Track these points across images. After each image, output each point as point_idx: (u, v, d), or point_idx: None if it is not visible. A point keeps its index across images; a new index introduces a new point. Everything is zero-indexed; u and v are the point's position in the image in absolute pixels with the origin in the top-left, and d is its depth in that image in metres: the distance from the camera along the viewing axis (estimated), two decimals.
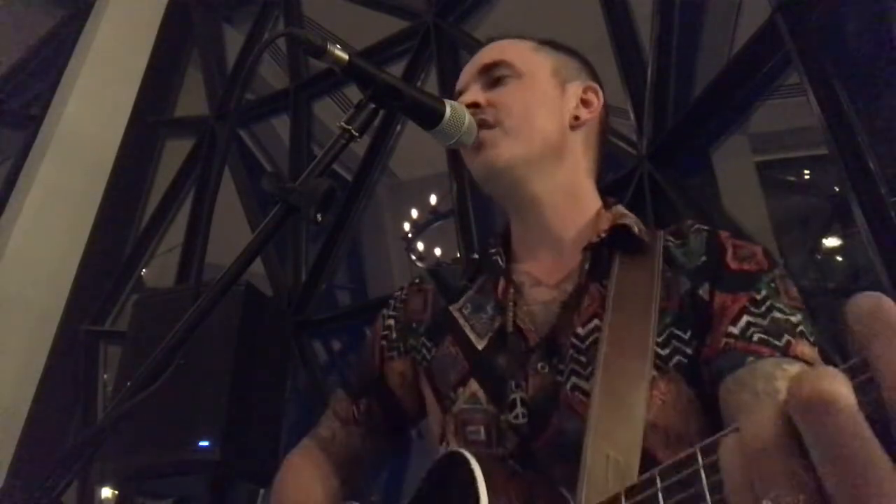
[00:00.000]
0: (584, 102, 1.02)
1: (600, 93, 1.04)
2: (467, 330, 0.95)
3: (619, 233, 0.92)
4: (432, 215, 4.75)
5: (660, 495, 0.44)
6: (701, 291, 0.86)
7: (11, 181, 4.02)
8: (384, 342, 1.07)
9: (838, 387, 0.32)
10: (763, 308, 0.81)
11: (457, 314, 0.98)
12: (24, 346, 3.52)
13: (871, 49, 1.68)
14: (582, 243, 0.92)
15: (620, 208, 0.98)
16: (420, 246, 4.93)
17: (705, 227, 0.93)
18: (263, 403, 2.52)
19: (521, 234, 1.01)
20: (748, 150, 2.34)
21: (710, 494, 0.39)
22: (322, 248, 3.35)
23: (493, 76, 1.00)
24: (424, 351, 1.00)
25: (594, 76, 1.07)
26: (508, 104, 0.96)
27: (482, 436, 0.86)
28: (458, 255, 2.88)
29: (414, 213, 4.92)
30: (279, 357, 2.76)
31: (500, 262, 0.98)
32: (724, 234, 0.91)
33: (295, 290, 3.31)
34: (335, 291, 4.43)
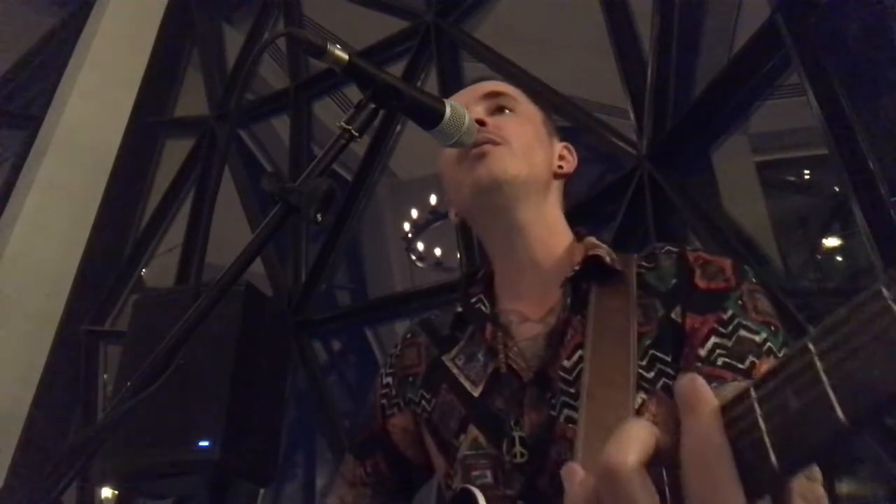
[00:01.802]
0: (562, 158, 1.08)
1: (574, 153, 1.10)
2: (462, 380, 0.97)
3: (592, 264, 0.94)
4: (432, 215, 4.75)
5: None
6: (674, 314, 0.88)
7: (11, 181, 4.03)
8: (384, 400, 1.08)
9: (623, 455, 0.39)
10: (730, 328, 0.83)
11: (450, 364, 1.00)
12: (24, 346, 3.52)
13: (871, 49, 1.68)
14: (560, 276, 0.94)
15: (592, 240, 1.01)
16: (420, 246, 4.93)
17: (675, 249, 0.95)
18: (263, 403, 2.52)
19: (503, 266, 1.02)
20: (748, 150, 2.34)
21: None
22: (322, 248, 3.34)
23: (496, 104, 1.03)
24: (424, 403, 1.01)
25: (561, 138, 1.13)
26: (514, 131, 1.00)
27: (489, 479, 0.87)
28: (459, 255, 2.88)
29: (414, 213, 4.92)
30: (279, 357, 2.76)
31: (484, 308, 1.00)
32: (692, 254, 0.93)
33: (295, 290, 3.31)
34: (335, 291, 4.43)
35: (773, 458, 0.34)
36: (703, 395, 0.38)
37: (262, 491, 2.99)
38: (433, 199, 4.69)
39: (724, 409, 0.37)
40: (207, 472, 2.32)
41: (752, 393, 0.36)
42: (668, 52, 2.34)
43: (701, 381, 0.38)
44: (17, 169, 4.09)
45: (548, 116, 1.11)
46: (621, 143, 2.42)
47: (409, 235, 4.94)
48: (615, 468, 0.38)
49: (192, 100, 4.47)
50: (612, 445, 0.39)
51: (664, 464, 0.39)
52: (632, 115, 2.42)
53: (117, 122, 4.25)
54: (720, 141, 2.21)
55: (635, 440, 0.39)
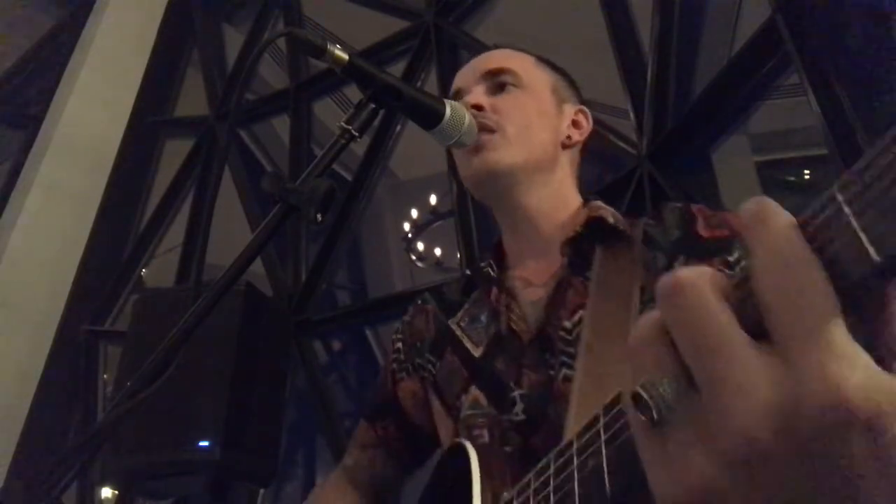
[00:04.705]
0: (575, 124, 1.05)
1: (590, 115, 1.07)
2: (465, 341, 0.97)
3: (597, 225, 0.94)
4: (432, 215, 4.75)
5: (574, 454, 0.48)
6: (677, 264, 0.87)
7: (11, 181, 4.03)
8: (395, 365, 1.10)
9: (691, 272, 0.34)
10: (737, 269, 0.81)
11: (455, 327, 1.01)
12: (24, 346, 3.52)
13: (871, 49, 1.68)
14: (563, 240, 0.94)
15: (597, 203, 1.00)
16: (420, 246, 4.93)
17: (678, 204, 0.95)
18: (263, 403, 2.52)
19: (511, 238, 1.03)
20: (748, 150, 2.34)
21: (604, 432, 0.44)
22: (322, 248, 3.35)
23: (496, 82, 1.01)
24: (430, 367, 1.02)
25: (582, 98, 1.10)
26: (511, 112, 0.98)
27: (486, 438, 0.88)
28: (459, 255, 2.88)
29: (414, 213, 4.92)
30: (279, 357, 2.76)
31: (492, 272, 1.00)
32: (695, 207, 0.92)
33: (295, 290, 3.31)
34: (335, 291, 4.43)
35: (871, 251, 0.29)
36: (773, 208, 0.33)
37: (262, 491, 2.99)
38: (433, 199, 4.69)
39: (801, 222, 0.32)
40: (207, 472, 2.32)
41: (838, 195, 0.30)
42: (668, 52, 2.34)
43: (770, 201, 0.34)
44: (17, 169, 4.09)
45: (561, 78, 1.07)
46: (621, 143, 2.42)
47: (409, 235, 4.94)
48: (680, 279, 0.33)
49: (192, 100, 4.48)
50: (683, 268, 0.34)
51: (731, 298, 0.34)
52: (632, 115, 2.42)
53: (117, 122, 4.25)
54: (720, 141, 2.21)
55: (699, 269, 0.34)
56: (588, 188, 1.08)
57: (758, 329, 0.31)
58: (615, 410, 0.44)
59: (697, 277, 0.33)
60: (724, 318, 0.32)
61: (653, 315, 0.35)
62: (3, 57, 5.09)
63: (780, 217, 0.32)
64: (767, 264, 0.32)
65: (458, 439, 0.85)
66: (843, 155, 1.62)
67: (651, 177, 2.24)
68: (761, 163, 2.56)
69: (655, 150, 2.28)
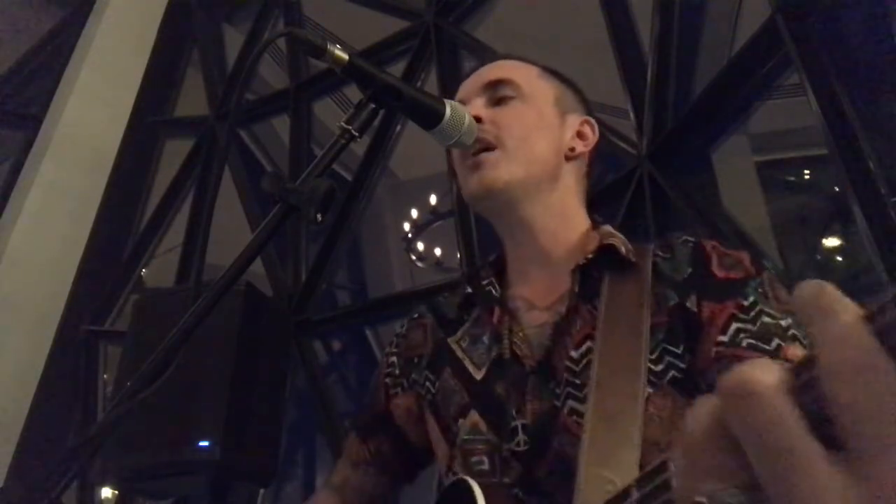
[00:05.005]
0: (580, 135, 1.03)
1: (596, 127, 1.06)
2: (466, 362, 0.96)
3: (606, 253, 0.92)
4: (432, 215, 4.76)
5: None
6: (689, 303, 0.86)
7: (11, 181, 4.03)
8: (388, 380, 1.08)
9: (762, 375, 0.32)
10: (752, 314, 0.81)
11: (455, 346, 0.99)
12: (24, 347, 3.51)
13: (871, 49, 1.68)
14: (571, 264, 0.92)
15: (608, 228, 0.99)
16: (420, 246, 4.94)
17: (691, 239, 0.93)
18: (263, 403, 2.52)
19: (513, 255, 1.02)
20: (748, 150, 2.34)
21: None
22: (322, 248, 3.35)
23: (497, 94, 1.00)
24: (428, 384, 1.00)
25: (589, 109, 1.08)
26: (511, 125, 0.97)
27: (486, 466, 0.86)
28: (459, 255, 2.88)
29: (414, 213, 4.92)
30: (279, 357, 2.76)
31: (494, 291, 0.98)
32: (709, 244, 0.91)
33: (295, 291, 3.31)
34: (335, 291, 4.44)
35: None
36: (837, 297, 0.31)
37: (262, 491, 2.99)
38: (433, 199, 4.69)
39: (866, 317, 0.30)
40: (207, 472, 2.32)
41: None
42: (668, 52, 2.34)
43: (831, 287, 0.32)
44: (17, 169, 4.09)
45: (566, 89, 1.06)
46: (621, 143, 2.42)
47: (409, 235, 4.95)
48: (749, 383, 0.31)
49: (192, 100, 4.48)
50: (751, 367, 0.32)
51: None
52: (632, 115, 2.42)
53: (117, 122, 4.25)
54: (720, 141, 2.21)
55: (769, 364, 0.32)
56: (588, 188, 1.07)
57: (829, 432, 0.30)
58: (650, 487, 0.41)
59: (767, 381, 0.31)
60: (798, 429, 0.31)
61: (710, 409, 0.33)
62: (3, 57, 5.08)
63: (847, 311, 0.30)
64: (838, 368, 0.30)
65: (462, 476, 0.83)
66: (843, 155, 1.62)
67: (651, 177, 2.24)
68: (761, 163, 2.56)
69: (655, 150, 2.28)
